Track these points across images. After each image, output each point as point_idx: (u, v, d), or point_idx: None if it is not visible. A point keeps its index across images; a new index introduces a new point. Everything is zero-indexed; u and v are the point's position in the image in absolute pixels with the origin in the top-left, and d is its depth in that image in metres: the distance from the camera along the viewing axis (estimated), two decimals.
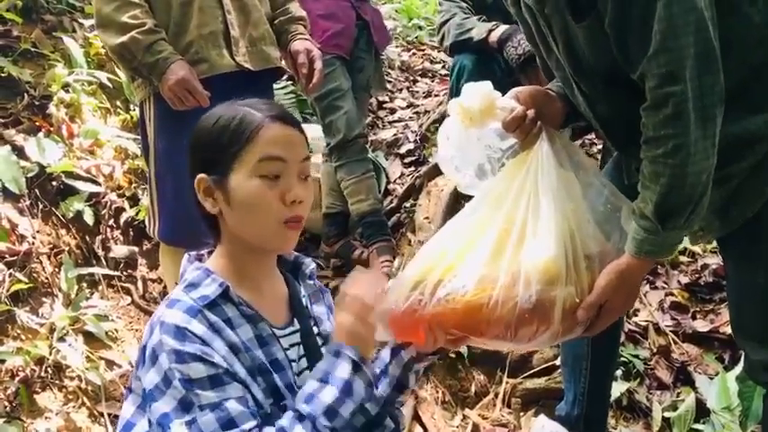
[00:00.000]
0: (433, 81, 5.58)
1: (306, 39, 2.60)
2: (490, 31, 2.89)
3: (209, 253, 1.31)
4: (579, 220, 1.37)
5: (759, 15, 1.36)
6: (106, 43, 2.37)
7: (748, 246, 1.49)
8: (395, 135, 4.39)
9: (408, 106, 4.93)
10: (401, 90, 5.24)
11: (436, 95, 4.97)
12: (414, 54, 6.43)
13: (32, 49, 3.25)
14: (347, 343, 1.17)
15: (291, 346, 1.28)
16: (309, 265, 1.42)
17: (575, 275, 1.33)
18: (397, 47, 6.20)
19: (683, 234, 1.39)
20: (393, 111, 4.89)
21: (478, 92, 1.45)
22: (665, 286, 2.74)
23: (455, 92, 3.03)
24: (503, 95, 1.53)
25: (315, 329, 1.34)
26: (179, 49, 2.33)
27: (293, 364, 1.26)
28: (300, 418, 1.11)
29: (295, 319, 1.32)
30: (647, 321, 2.58)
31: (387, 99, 5.02)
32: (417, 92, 5.22)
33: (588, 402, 1.97)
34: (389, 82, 5.31)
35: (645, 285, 2.73)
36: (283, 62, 2.66)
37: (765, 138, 1.39)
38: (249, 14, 2.48)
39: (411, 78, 5.60)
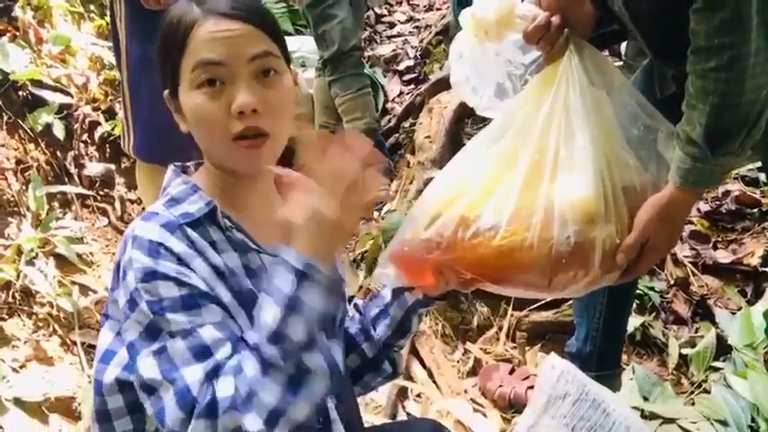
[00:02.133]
0: None
1: None
2: None
3: (197, 166, 1.12)
4: (615, 148, 1.22)
5: None
6: None
7: None
8: (393, 51, 4.14)
9: (408, 20, 4.64)
10: (400, 3, 4.94)
11: (438, 9, 4.68)
12: None
13: None
14: (292, 242, 0.92)
15: None
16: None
17: (614, 212, 1.18)
18: None
19: (736, 161, 1.21)
20: (392, 25, 4.61)
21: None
22: None
23: (459, 1, 2.76)
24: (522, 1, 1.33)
25: None
26: None
27: None
28: (253, 348, 0.90)
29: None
30: None
31: (385, 12, 4.74)
32: (418, 5, 4.91)
33: (602, 339, 1.82)
34: None
35: None
36: None
37: None
38: None
39: None
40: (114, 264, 1.01)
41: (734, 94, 1.12)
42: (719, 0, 1.09)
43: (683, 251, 2.42)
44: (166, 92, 1.07)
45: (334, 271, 0.95)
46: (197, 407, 0.88)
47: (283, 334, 0.89)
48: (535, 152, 1.20)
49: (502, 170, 1.20)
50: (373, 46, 4.31)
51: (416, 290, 1.22)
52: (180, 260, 0.96)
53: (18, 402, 1.90)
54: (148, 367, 0.92)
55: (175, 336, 0.92)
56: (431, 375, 2.09)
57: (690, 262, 2.39)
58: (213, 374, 0.90)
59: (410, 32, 4.43)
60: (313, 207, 0.91)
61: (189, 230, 0.99)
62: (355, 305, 1.31)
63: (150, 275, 0.94)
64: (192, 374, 0.90)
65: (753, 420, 1.88)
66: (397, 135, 3.45)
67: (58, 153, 2.63)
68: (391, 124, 3.53)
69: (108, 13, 3.13)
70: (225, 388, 0.88)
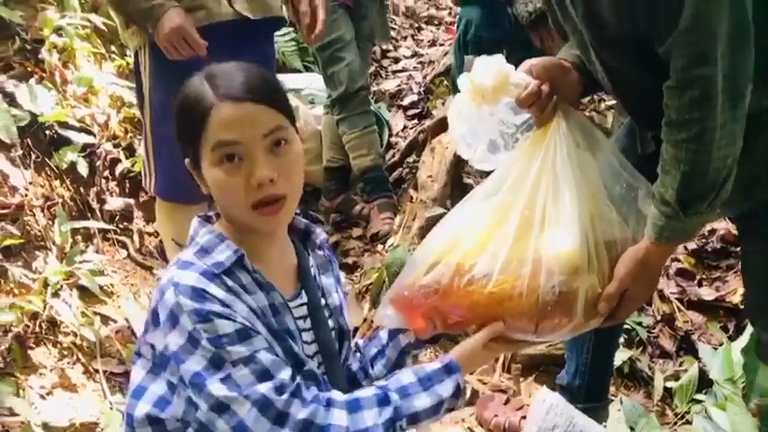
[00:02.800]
0: (438, 29, 5.46)
1: None
2: None
3: (218, 215, 1.25)
4: (598, 205, 1.34)
5: None
6: None
7: (765, 225, 1.45)
8: (398, 86, 4.31)
9: (413, 55, 4.82)
10: (405, 38, 5.12)
11: (441, 45, 4.87)
12: None
13: None
14: (462, 367, 1.20)
15: (298, 318, 1.24)
16: (320, 235, 1.36)
17: (596, 264, 1.30)
18: None
19: (706, 218, 1.34)
20: (397, 60, 4.79)
21: (491, 67, 1.38)
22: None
23: (461, 45, 2.94)
24: (512, 51, 1.46)
25: (323, 301, 1.30)
26: None
27: (303, 333, 1.23)
28: (385, 402, 1.13)
29: (303, 291, 1.27)
30: None
31: (390, 48, 4.92)
32: (422, 40, 5.10)
33: (590, 373, 1.95)
34: (393, 29, 5.18)
35: None
36: (284, 10, 2.56)
37: None
38: None
39: (416, 26, 5.47)
40: (150, 308, 1.14)
41: (702, 163, 1.25)
42: (689, 80, 1.21)
43: (669, 288, 2.56)
44: (188, 161, 1.19)
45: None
46: (289, 419, 1.05)
47: (419, 419, 1.14)
48: (525, 208, 1.32)
49: (495, 223, 1.32)
50: (379, 81, 4.49)
51: (409, 332, 1.35)
52: (223, 303, 1.09)
53: (45, 427, 2.02)
54: (219, 389, 1.05)
55: (237, 364, 1.06)
56: None
57: (676, 298, 2.53)
58: (278, 391, 1.06)
59: (414, 68, 4.61)
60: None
61: (226, 278, 1.12)
62: (357, 344, 1.43)
63: (204, 316, 1.07)
64: (264, 390, 1.05)
65: None
66: (400, 169, 3.61)
67: (82, 189, 2.77)
68: (395, 159, 3.69)
69: (129, 53, 3.34)
70: (339, 419, 1.07)
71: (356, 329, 2.50)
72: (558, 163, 1.34)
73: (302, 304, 1.26)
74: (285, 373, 1.08)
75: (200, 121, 1.13)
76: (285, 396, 1.06)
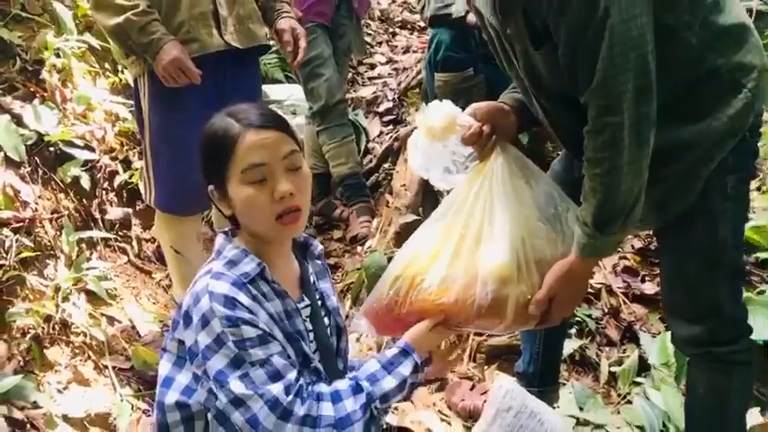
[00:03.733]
0: (412, 34, 5.70)
1: (290, 17, 2.75)
2: (469, 10, 3.03)
3: (233, 231, 1.45)
4: (530, 225, 1.59)
5: (695, 38, 1.54)
6: (102, 24, 2.50)
7: (679, 238, 1.71)
8: (374, 93, 4.55)
9: (388, 62, 5.07)
10: (380, 44, 5.36)
11: (415, 51, 5.10)
12: (393, 1, 6.49)
13: (22, 13, 3.34)
14: (415, 347, 1.41)
15: (305, 319, 1.45)
16: (317, 246, 1.60)
17: (526, 275, 1.54)
18: None
19: (620, 237, 1.61)
20: (373, 66, 5.03)
21: (440, 112, 1.64)
22: (620, 250, 2.99)
23: (432, 63, 3.20)
24: (478, 70, 1.69)
25: (320, 303, 1.53)
26: (171, 29, 2.46)
27: (310, 334, 1.46)
28: (358, 390, 1.33)
29: (305, 296, 1.49)
30: (600, 284, 2.84)
31: (366, 54, 5.14)
32: (396, 46, 5.34)
33: (542, 361, 2.22)
34: (369, 35, 5.42)
35: None
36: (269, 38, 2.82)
37: (695, 145, 1.59)
38: None
39: (390, 30, 5.71)
40: (181, 310, 1.35)
41: (611, 193, 1.51)
42: (601, 127, 1.47)
43: (616, 283, 2.86)
44: (211, 187, 1.40)
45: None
46: (293, 416, 1.25)
47: (388, 399, 1.35)
48: (464, 228, 1.57)
49: (442, 242, 1.57)
50: (356, 88, 4.74)
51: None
52: (249, 311, 1.29)
53: (65, 418, 2.24)
54: (238, 386, 1.25)
55: (255, 365, 1.26)
56: None
57: (622, 292, 2.82)
58: (287, 391, 1.26)
59: (389, 74, 4.86)
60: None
61: (250, 287, 1.34)
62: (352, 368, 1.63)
63: (233, 321, 1.27)
64: (275, 389, 1.25)
65: (664, 425, 2.32)
66: (377, 174, 3.89)
67: (85, 201, 3.01)
68: (372, 164, 3.96)
69: (121, 70, 3.57)
70: (327, 410, 1.29)
71: None
72: (494, 190, 1.59)
73: (306, 306, 1.47)
74: (292, 375, 1.29)
75: (228, 148, 1.34)
76: (290, 396, 1.26)
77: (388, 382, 1.35)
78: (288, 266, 1.49)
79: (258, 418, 1.25)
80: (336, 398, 1.32)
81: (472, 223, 1.56)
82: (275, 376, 1.28)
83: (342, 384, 1.36)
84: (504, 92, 1.83)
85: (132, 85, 2.69)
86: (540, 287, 1.56)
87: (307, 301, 1.48)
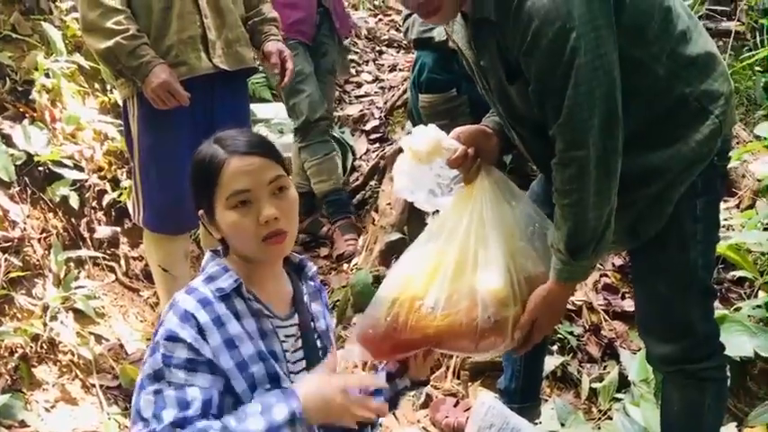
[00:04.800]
0: (398, 52, 5.77)
1: (278, 40, 2.80)
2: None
3: (225, 250, 1.46)
4: (517, 246, 1.64)
5: (663, 69, 1.60)
6: (92, 47, 2.55)
7: (651, 259, 1.77)
8: (361, 111, 4.61)
9: (374, 80, 5.13)
10: (367, 62, 5.43)
11: (401, 69, 5.17)
12: (380, 20, 6.58)
13: (12, 34, 3.39)
14: (303, 401, 1.28)
15: (288, 336, 1.46)
16: (312, 268, 1.61)
17: (519, 295, 1.60)
18: (363, 11, 6.35)
19: (593, 261, 1.66)
20: (360, 85, 5.09)
21: (426, 136, 1.68)
22: (601, 268, 3.05)
23: (416, 85, 3.25)
24: (461, 91, 1.73)
25: (312, 325, 1.53)
26: (160, 53, 2.51)
27: (287, 354, 1.44)
28: (224, 429, 1.24)
29: (296, 314, 1.50)
30: (582, 301, 2.89)
31: (353, 72, 5.20)
32: (383, 65, 5.40)
33: (524, 378, 2.26)
34: (356, 53, 5.49)
35: None
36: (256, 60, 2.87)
37: (665, 170, 1.64)
38: (225, 17, 2.66)
39: (377, 49, 5.78)
40: (159, 322, 1.36)
41: (581, 222, 1.56)
42: (567, 160, 1.53)
43: (597, 300, 2.92)
44: (201, 211, 1.42)
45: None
46: None
47: None
48: (459, 253, 1.60)
49: (437, 266, 1.59)
50: (343, 106, 4.80)
51: (405, 376, 1.60)
52: (200, 330, 1.29)
53: None
54: (144, 402, 1.25)
55: (171, 385, 1.26)
56: None
57: (602, 309, 2.87)
58: (178, 424, 1.23)
59: (375, 92, 4.92)
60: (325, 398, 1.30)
61: (217, 305, 1.32)
62: None
63: (173, 337, 1.27)
64: (166, 416, 1.23)
65: None
66: (363, 192, 3.94)
67: (73, 220, 3.04)
68: (359, 182, 4.01)
69: (110, 89, 3.61)
70: None
71: None
72: (484, 214, 1.64)
73: (294, 324, 1.48)
74: (195, 410, 1.25)
75: (214, 175, 1.35)
76: (170, 429, 1.23)
77: (256, 424, 1.26)
78: (278, 287, 1.51)
79: None
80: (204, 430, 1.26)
81: (468, 248, 1.59)
82: (181, 404, 1.26)
83: (215, 424, 1.26)
84: (487, 115, 1.88)
85: (121, 105, 2.73)
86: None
87: (296, 319, 1.50)
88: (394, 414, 2.54)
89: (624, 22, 1.52)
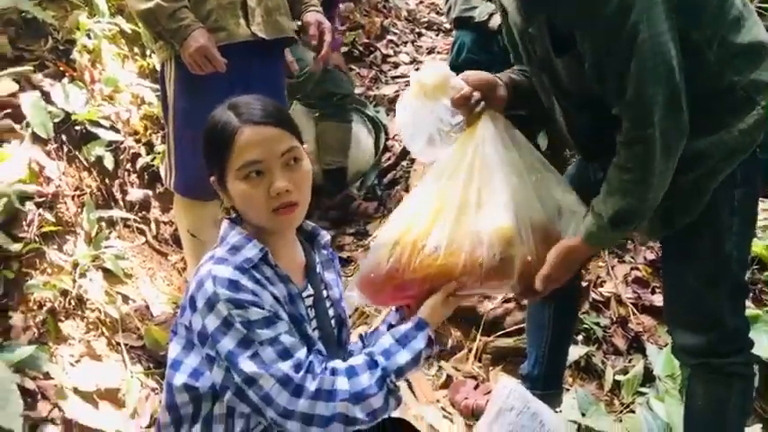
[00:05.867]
0: (437, 35, 5.72)
1: (317, 10, 2.78)
2: (491, 15, 3.06)
3: (240, 219, 1.46)
4: (521, 191, 1.62)
5: (713, 55, 1.58)
6: (132, 8, 2.56)
7: (683, 249, 1.75)
8: (396, 91, 4.58)
9: (411, 62, 5.09)
10: (405, 44, 5.39)
11: (439, 53, 5.12)
12: (421, 2, 6.52)
13: None
14: (429, 321, 1.43)
15: (308, 307, 1.48)
16: (324, 236, 1.62)
17: (524, 238, 1.59)
18: None
19: (627, 234, 1.66)
20: (396, 65, 5.05)
21: (435, 70, 1.68)
22: (632, 261, 3.01)
23: (454, 66, 3.22)
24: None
25: (325, 293, 1.55)
26: (199, 17, 2.51)
27: (312, 321, 1.48)
28: (373, 365, 1.34)
29: (309, 284, 1.51)
30: (610, 293, 2.86)
31: (391, 53, 5.17)
32: (421, 47, 5.36)
33: (547, 365, 2.26)
34: (395, 33, 5.45)
35: (614, 259, 3.01)
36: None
37: (707, 157, 1.63)
38: None
39: (416, 31, 5.73)
40: (187, 296, 1.37)
41: (639, 200, 1.58)
42: (634, 140, 1.54)
43: (626, 293, 2.88)
44: (213, 178, 1.43)
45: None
46: (305, 391, 1.28)
47: (403, 373, 1.36)
48: (462, 193, 1.57)
49: (440, 206, 1.57)
50: (378, 85, 4.77)
51: (390, 316, 1.61)
52: (253, 293, 1.31)
53: (76, 391, 2.28)
54: (248, 366, 1.28)
55: (264, 344, 1.29)
56: (410, 386, 2.54)
57: (631, 303, 2.84)
58: (296, 369, 1.28)
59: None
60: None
61: (254, 272, 1.36)
62: (360, 336, 1.67)
63: (238, 304, 1.29)
64: (284, 366, 1.28)
65: None
66: (395, 172, 3.92)
67: (107, 181, 3.06)
68: (391, 162, 4.00)
69: (149, 54, 3.63)
70: (342, 384, 1.30)
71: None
72: (488, 156, 1.62)
73: (309, 295, 1.50)
74: (302, 353, 1.32)
75: (227, 143, 1.36)
76: (301, 373, 1.29)
77: (403, 357, 1.36)
78: (292, 255, 1.51)
79: (271, 395, 1.28)
80: (352, 373, 1.33)
81: (472, 187, 1.58)
82: (284, 354, 1.30)
83: (357, 360, 1.37)
84: (506, 71, 1.86)
85: (159, 69, 2.73)
86: (536, 251, 1.61)
87: (310, 290, 1.51)
88: (413, 392, 2.53)
89: (682, 3, 1.49)
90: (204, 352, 1.36)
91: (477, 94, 1.66)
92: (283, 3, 2.72)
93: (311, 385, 1.29)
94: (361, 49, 5.05)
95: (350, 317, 2.78)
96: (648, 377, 2.55)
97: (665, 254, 1.89)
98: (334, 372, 1.34)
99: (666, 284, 1.89)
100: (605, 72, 1.51)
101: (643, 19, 1.43)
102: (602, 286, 2.92)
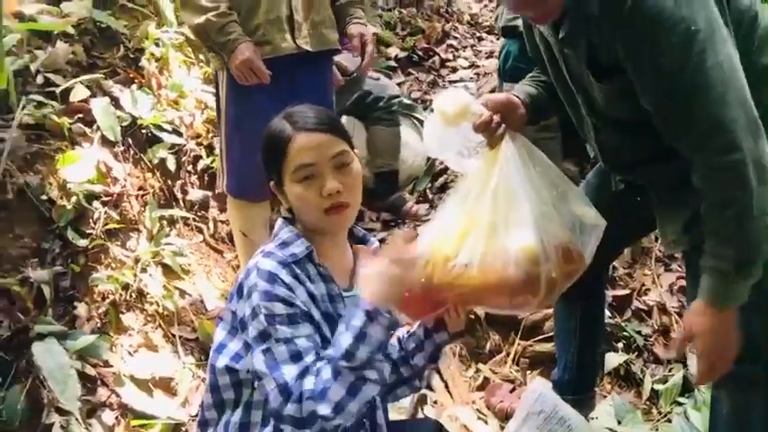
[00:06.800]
0: (498, 39, 5.71)
1: (361, 23, 2.89)
2: None
3: (293, 218, 1.55)
4: (543, 209, 1.65)
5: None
6: (186, 21, 2.73)
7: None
8: (474, 94, 4.62)
9: (470, 66, 5.13)
10: (465, 48, 5.42)
11: (497, 57, 5.12)
12: (485, 6, 6.53)
13: (128, 4, 3.64)
14: (368, 295, 1.38)
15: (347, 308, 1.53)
16: (374, 242, 1.70)
17: (548, 255, 1.60)
18: None
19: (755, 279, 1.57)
20: (455, 70, 5.10)
21: (454, 99, 1.73)
22: (679, 270, 2.98)
23: (502, 73, 3.26)
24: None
25: None
26: (247, 30, 2.65)
27: None
28: (326, 359, 1.36)
29: (355, 286, 1.53)
30: (654, 301, 2.84)
31: (450, 57, 5.22)
32: (480, 51, 5.39)
33: (576, 370, 2.28)
34: (456, 38, 5.49)
35: (660, 267, 2.99)
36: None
37: None
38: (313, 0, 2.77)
39: (477, 35, 5.75)
40: (237, 284, 1.49)
41: (749, 231, 1.49)
42: (726, 167, 1.47)
43: (671, 302, 2.86)
44: (272, 183, 1.54)
45: (390, 316, 1.39)
46: (292, 395, 1.33)
47: (353, 354, 1.33)
48: (490, 213, 1.62)
49: (468, 227, 1.61)
50: (435, 90, 4.83)
51: (443, 331, 1.65)
52: (288, 288, 1.40)
53: (132, 379, 2.45)
54: (259, 362, 1.37)
55: (279, 341, 1.37)
56: (447, 387, 2.60)
57: (675, 312, 2.82)
58: (302, 375, 1.34)
59: (471, 78, 4.92)
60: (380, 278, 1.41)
61: (294, 267, 1.43)
62: (398, 339, 1.71)
63: (269, 297, 1.37)
64: (289, 373, 1.34)
65: None
66: (446, 176, 3.98)
67: (169, 181, 3.24)
68: (443, 165, 4.06)
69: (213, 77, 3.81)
70: (309, 384, 1.35)
71: None
72: (512, 177, 1.66)
73: (353, 296, 1.54)
74: (311, 357, 1.36)
75: (282, 149, 1.47)
76: (300, 380, 1.34)
77: (345, 339, 1.35)
78: (340, 257, 1.60)
79: (270, 396, 1.38)
80: (318, 370, 1.36)
81: (498, 208, 1.62)
82: (295, 357, 1.37)
83: (318, 362, 1.38)
84: (521, 82, 1.90)
85: (214, 77, 2.89)
86: (559, 265, 1.60)
87: (355, 292, 1.56)
88: (449, 392, 2.60)
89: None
90: (243, 337, 1.47)
91: (496, 118, 1.72)
92: (329, 16, 2.83)
93: (297, 391, 1.34)
94: (420, 53, 5.13)
95: None
96: (687, 387, 2.53)
97: (687, 267, 1.88)
98: (304, 373, 1.37)
99: (690, 292, 1.87)
100: (669, 103, 1.50)
101: (708, 46, 1.42)
102: (646, 294, 2.90)
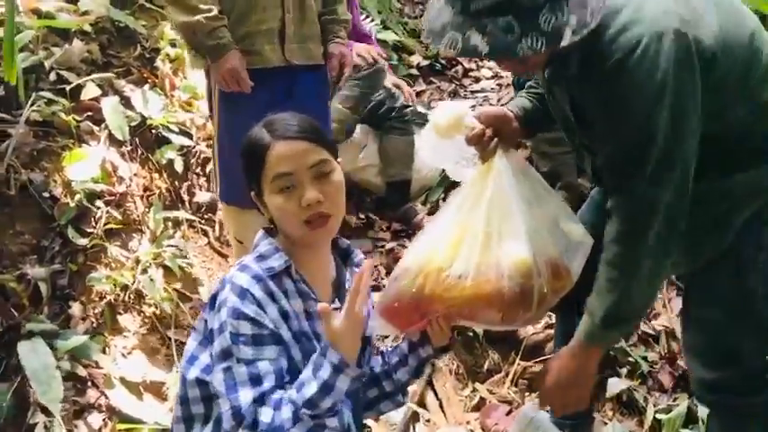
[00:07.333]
0: None
1: (341, 42, 2.86)
2: None
3: (275, 229, 1.52)
4: (534, 224, 1.62)
5: (743, 110, 1.57)
6: (172, 18, 2.70)
7: (706, 282, 1.71)
8: (473, 106, 4.55)
9: (493, 76, 5.05)
10: None
11: None
12: None
13: (147, 4, 3.65)
14: (333, 346, 1.35)
15: None
16: (358, 254, 1.66)
17: (540, 269, 1.57)
18: None
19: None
20: (477, 80, 5.04)
21: (448, 111, 1.73)
22: None
23: (516, 84, 3.20)
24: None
25: None
26: (236, 37, 2.62)
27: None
28: (288, 401, 1.34)
29: (337, 300, 1.53)
30: (662, 326, 2.74)
31: (473, 67, 5.16)
32: None
33: None
34: None
35: (671, 292, 2.88)
36: None
37: (728, 196, 1.60)
38: (306, 14, 2.74)
39: None
40: (212, 293, 1.46)
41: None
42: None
43: (680, 328, 2.75)
44: (253, 193, 1.50)
45: (359, 369, 1.37)
46: (245, 421, 1.31)
47: (315, 404, 1.32)
48: (484, 225, 1.58)
49: (461, 238, 1.57)
50: (457, 99, 4.77)
51: (427, 345, 1.60)
52: (259, 305, 1.37)
53: (123, 381, 2.42)
54: (218, 380, 1.36)
55: (240, 362, 1.34)
56: (441, 406, 2.53)
57: None
58: (259, 401, 1.33)
59: (492, 89, 4.85)
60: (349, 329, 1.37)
61: (269, 282, 1.41)
62: (381, 352, 1.70)
63: (236, 314, 1.34)
64: (244, 397, 1.33)
65: None
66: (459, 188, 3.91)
67: (176, 183, 3.23)
68: None
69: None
70: (266, 416, 1.32)
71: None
72: (504, 189, 1.62)
73: (336, 309, 1.49)
74: (269, 383, 1.34)
75: (260, 158, 1.44)
76: (254, 406, 1.33)
77: (311, 388, 1.33)
78: (322, 270, 1.55)
79: (223, 416, 1.36)
80: (278, 405, 1.34)
81: (492, 220, 1.58)
82: (254, 380, 1.34)
83: (280, 395, 1.37)
84: (516, 96, 1.88)
85: (206, 82, 2.86)
86: (549, 282, 1.57)
87: (338, 304, 1.53)
88: (443, 411, 2.53)
89: (711, 80, 1.49)
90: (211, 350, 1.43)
91: (489, 131, 1.70)
92: (317, 31, 2.80)
93: (250, 417, 1.33)
94: (443, 62, 5.07)
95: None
96: (692, 418, 2.43)
97: (687, 288, 1.85)
98: (276, 404, 1.35)
99: (687, 318, 1.84)
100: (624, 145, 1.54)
101: (668, 115, 1.45)
102: (655, 319, 2.80)
